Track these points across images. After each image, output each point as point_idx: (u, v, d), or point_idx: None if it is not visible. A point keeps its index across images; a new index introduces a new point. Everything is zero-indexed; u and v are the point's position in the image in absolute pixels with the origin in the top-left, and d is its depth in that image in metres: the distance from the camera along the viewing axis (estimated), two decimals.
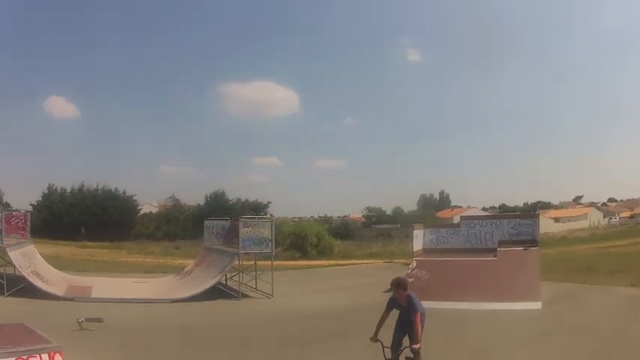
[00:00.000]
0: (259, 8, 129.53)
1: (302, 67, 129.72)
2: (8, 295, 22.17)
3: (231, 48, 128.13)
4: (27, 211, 31.31)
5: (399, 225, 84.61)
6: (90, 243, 65.12)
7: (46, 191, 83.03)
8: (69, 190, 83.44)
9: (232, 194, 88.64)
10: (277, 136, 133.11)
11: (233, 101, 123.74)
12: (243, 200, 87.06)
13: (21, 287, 22.87)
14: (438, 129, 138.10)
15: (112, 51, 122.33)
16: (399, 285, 10.18)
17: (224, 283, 26.87)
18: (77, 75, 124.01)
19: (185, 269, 30.55)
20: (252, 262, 27.11)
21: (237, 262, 25.90)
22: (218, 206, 76.71)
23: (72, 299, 22.05)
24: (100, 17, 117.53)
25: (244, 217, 27.75)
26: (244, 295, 24.90)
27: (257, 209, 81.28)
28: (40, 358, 8.97)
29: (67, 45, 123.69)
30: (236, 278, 25.85)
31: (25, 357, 8.83)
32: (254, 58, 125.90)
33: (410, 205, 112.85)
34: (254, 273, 26.32)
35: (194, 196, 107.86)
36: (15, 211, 29.66)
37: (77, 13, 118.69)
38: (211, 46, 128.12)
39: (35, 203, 76.15)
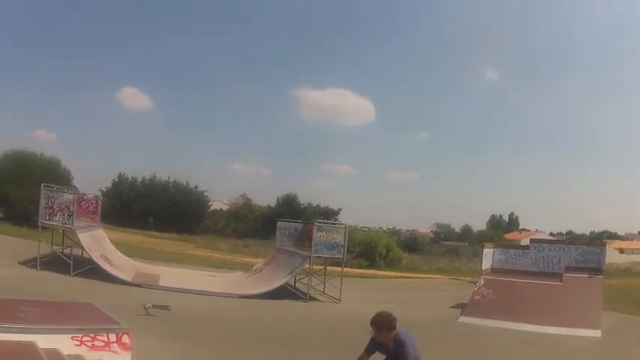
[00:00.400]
0: (340, 15, 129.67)
1: (379, 77, 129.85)
2: (74, 275, 22.61)
3: (309, 53, 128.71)
4: (98, 196, 32.14)
5: (467, 243, 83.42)
6: (157, 233, 65.84)
7: (117, 179, 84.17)
8: (140, 179, 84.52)
9: (303, 198, 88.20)
10: (350, 145, 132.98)
11: (308, 106, 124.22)
12: (315, 205, 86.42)
13: (88, 269, 23.23)
14: (509, 149, 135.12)
15: (189, 47, 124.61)
16: (379, 326, 7.78)
17: (292, 284, 26.65)
18: (153, 67, 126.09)
19: (254, 267, 30.53)
20: (322, 267, 26.93)
21: (307, 265, 25.65)
22: (289, 209, 76.21)
23: (139, 285, 22.20)
24: (179, 12, 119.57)
25: (319, 221, 27.71)
26: (312, 298, 24.67)
27: (327, 215, 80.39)
28: (108, 337, 9.43)
29: (145, 37, 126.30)
30: (305, 281, 25.67)
31: (92, 335, 9.31)
32: (331, 65, 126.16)
33: (478, 224, 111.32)
34: (323, 277, 26.16)
35: (264, 197, 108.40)
36: (86, 194, 30.12)
37: (157, 7, 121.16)
38: (290, 50, 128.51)
39: (105, 190, 77.20)
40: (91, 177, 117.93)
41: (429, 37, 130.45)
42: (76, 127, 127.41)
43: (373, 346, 8.04)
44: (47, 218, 24.52)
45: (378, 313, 7.88)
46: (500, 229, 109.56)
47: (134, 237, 51.67)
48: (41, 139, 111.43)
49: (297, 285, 26.86)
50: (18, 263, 24.43)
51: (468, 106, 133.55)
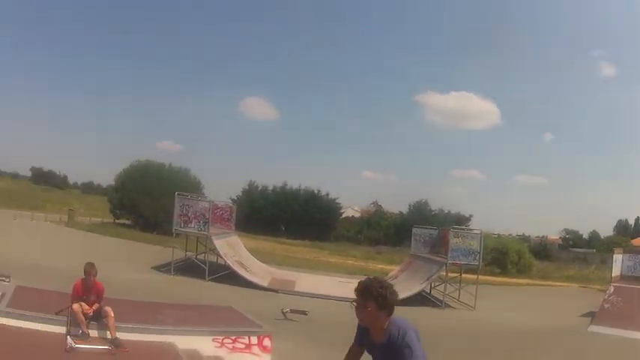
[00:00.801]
0: (459, 21, 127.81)
1: (502, 79, 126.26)
2: (209, 280, 23.33)
3: (431, 58, 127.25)
4: (232, 205, 33.52)
5: (594, 250, 79.93)
6: (289, 240, 66.61)
7: (246, 187, 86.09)
8: (270, 187, 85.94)
9: (433, 204, 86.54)
10: (477, 149, 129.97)
11: (433, 111, 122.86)
12: (445, 212, 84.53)
13: (223, 274, 23.89)
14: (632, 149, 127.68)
15: (312, 56, 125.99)
16: (364, 294, 4.36)
17: (428, 291, 26.24)
18: (276, 76, 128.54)
19: (390, 274, 30.16)
20: (456, 274, 26.27)
21: (442, 272, 25.27)
22: (421, 216, 74.99)
23: (275, 291, 22.58)
24: (304, 24, 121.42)
25: (454, 227, 27.37)
26: (447, 305, 24.25)
27: (459, 222, 78.77)
28: (249, 339, 10.05)
29: (267, 47, 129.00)
30: (439, 288, 25.42)
31: (233, 337, 9.97)
32: (453, 69, 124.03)
33: (605, 230, 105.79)
34: (457, 284, 25.53)
35: (394, 203, 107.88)
36: (219, 203, 30.72)
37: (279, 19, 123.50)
38: (411, 55, 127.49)
39: (235, 198, 78.83)
40: (218, 186, 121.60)
41: (546, 37, 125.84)
42: (201, 137, 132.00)
43: (361, 336, 4.77)
44: (182, 225, 25.25)
45: (369, 277, 4.70)
46: (627, 234, 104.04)
47: (266, 244, 52.55)
48: (167, 150, 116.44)
49: (431, 292, 26.45)
50: (151, 268, 25.34)
51: (589, 106, 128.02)
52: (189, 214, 25.40)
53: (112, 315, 9.19)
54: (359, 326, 4.72)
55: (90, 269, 9.50)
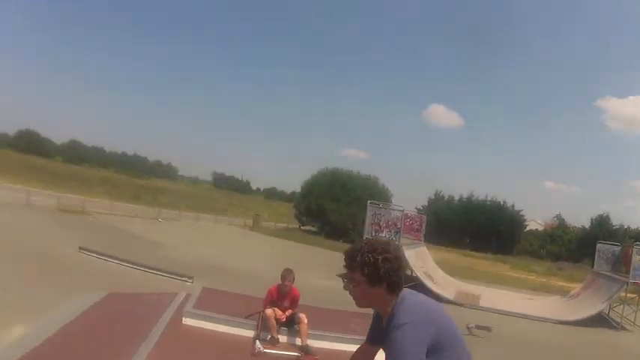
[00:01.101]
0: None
1: None
2: None
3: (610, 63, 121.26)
4: (422, 214, 33.50)
5: None
6: (473, 252, 66.50)
7: (432, 197, 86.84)
8: (457, 198, 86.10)
9: (615, 218, 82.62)
10: None
11: (612, 117, 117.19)
12: (625, 227, 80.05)
13: (410, 285, 23.56)
14: None
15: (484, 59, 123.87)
16: (350, 261, 3.31)
17: (606, 312, 25.54)
18: (460, 84, 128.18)
19: (571, 292, 29.75)
20: (634, 294, 25.56)
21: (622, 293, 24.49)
22: (602, 231, 71.71)
23: (460, 304, 22.53)
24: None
25: (638, 244, 25.69)
26: (623, 328, 23.28)
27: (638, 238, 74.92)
28: None
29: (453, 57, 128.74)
30: (617, 309, 24.81)
31: None
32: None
33: None
34: (636, 305, 24.75)
35: (576, 216, 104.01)
36: (410, 212, 30.86)
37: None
38: (589, 56, 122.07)
39: (420, 208, 79.37)
40: (402, 194, 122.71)
41: None
42: (385, 145, 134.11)
43: (373, 330, 3.70)
44: (373, 234, 25.40)
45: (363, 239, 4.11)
46: None
47: (450, 255, 52.79)
48: (352, 158, 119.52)
49: (610, 313, 25.71)
50: (336, 275, 25.88)
51: None
52: (380, 223, 25.61)
53: (306, 322, 9.17)
54: (373, 315, 3.65)
55: (287, 275, 9.51)
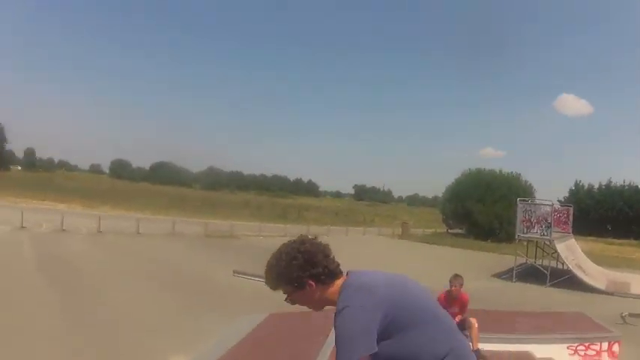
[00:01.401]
0: None
1: None
2: (549, 286, 23.93)
3: None
4: (568, 206, 33.23)
5: None
6: (615, 240, 65.31)
7: (573, 187, 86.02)
8: (596, 186, 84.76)
9: None
10: None
11: None
12: None
13: (563, 279, 24.20)
14: None
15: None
16: (269, 278, 3.02)
17: None
18: (588, 70, 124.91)
19: None
20: None
21: None
22: None
23: (611, 293, 22.47)
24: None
25: None
26: None
27: None
28: (600, 346, 9.64)
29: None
30: None
31: (586, 344, 9.63)
32: None
33: None
34: None
35: None
36: (557, 205, 31.43)
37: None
38: None
39: (562, 199, 78.48)
40: (542, 187, 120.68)
41: None
42: (520, 141, 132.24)
43: None
44: (525, 231, 26.03)
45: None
46: None
47: (594, 245, 51.83)
48: (489, 157, 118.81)
49: None
50: (491, 276, 26.30)
51: None
52: (531, 220, 25.83)
53: (477, 326, 8.94)
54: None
55: (454, 280, 9.54)
